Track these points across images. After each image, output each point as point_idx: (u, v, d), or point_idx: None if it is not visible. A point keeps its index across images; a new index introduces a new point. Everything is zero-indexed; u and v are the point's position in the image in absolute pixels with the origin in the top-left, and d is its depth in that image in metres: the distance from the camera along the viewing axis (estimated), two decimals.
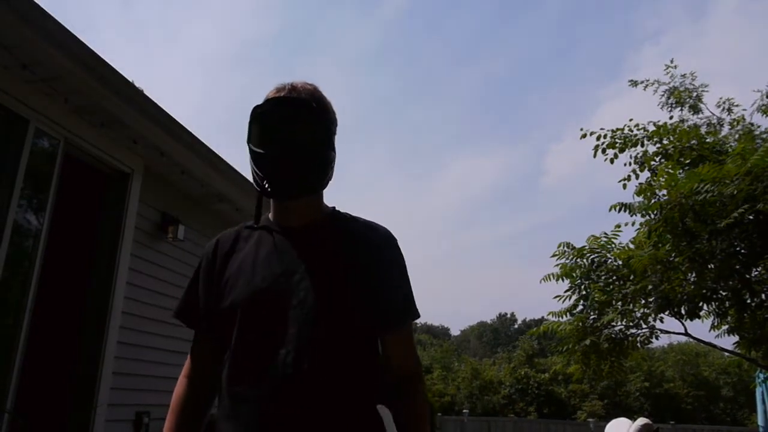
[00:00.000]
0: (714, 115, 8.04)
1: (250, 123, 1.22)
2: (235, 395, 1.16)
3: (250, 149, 1.22)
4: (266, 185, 1.20)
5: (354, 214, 1.34)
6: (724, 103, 7.92)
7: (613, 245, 6.53)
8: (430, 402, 11.02)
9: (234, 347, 1.18)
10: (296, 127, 1.20)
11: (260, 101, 1.25)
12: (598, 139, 6.75)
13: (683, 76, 8.19)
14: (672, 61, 8.19)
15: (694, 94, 8.02)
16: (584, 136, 6.81)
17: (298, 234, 1.25)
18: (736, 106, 7.84)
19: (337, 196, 1.34)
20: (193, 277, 1.32)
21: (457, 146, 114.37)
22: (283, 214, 1.28)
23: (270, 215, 1.32)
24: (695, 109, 8.05)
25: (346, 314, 1.17)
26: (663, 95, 8.20)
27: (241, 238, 1.29)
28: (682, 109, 8.07)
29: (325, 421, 1.11)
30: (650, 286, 5.75)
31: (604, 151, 6.73)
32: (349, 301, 1.18)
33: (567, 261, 6.77)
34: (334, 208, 1.33)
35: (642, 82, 8.33)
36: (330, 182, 1.30)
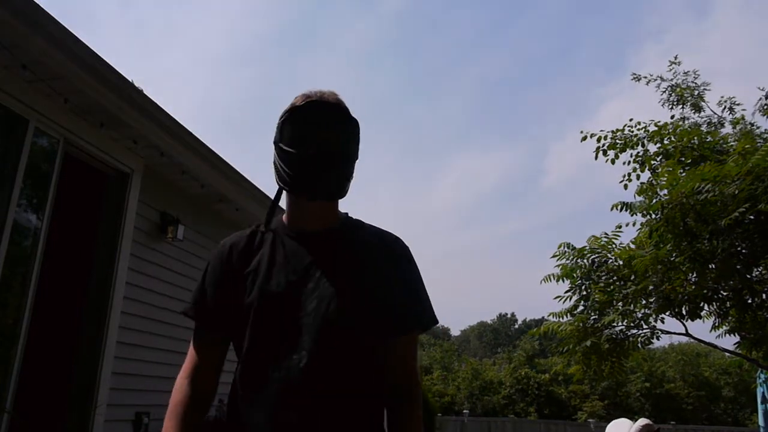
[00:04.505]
0: (715, 113, 8.04)
1: (284, 122, 1.23)
2: (248, 399, 1.17)
3: (280, 148, 1.22)
4: (294, 185, 1.21)
5: (365, 221, 1.36)
6: (725, 101, 7.91)
7: (614, 245, 6.52)
8: (431, 407, 10.94)
9: (246, 350, 1.19)
10: (333, 132, 1.22)
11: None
12: (598, 141, 6.75)
13: (686, 73, 8.19)
14: (676, 58, 8.19)
15: (696, 92, 8.01)
16: (585, 138, 6.81)
17: (312, 239, 1.25)
18: (738, 105, 7.84)
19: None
20: (203, 276, 1.31)
21: (457, 145, 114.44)
22: (298, 218, 1.28)
23: (284, 218, 1.32)
24: (696, 108, 8.04)
25: (357, 324, 1.19)
26: (665, 92, 8.20)
27: (255, 239, 1.29)
28: (683, 107, 8.06)
29: (332, 429, 1.12)
30: (651, 287, 5.74)
31: (605, 152, 6.74)
32: (360, 311, 1.19)
33: (567, 261, 6.76)
34: (346, 214, 1.34)
35: (645, 77, 8.33)
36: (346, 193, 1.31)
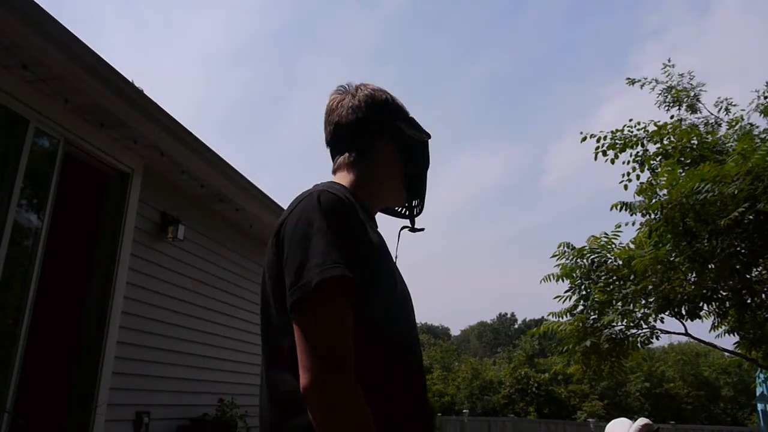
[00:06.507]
0: (712, 114, 8.03)
1: (427, 148, 1.31)
2: (412, 397, 1.04)
3: (421, 165, 1.29)
4: (423, 198, 1.30)
5: None
6: (722, 102, 7.91)
7: (614, 245, 6.53)
8: (431, 406, 10.90)
9: (397, 349, 1.04)
10: None
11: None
12: (598, 141, 6.75)
13: (681, 75, 8.17)
14: (669, 60, 8.18)
15: (692, 93, 8.00)
16: (584, 139, 6.80)
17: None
18: (734, 105, 7.84)
19: None
20: (347, 231, 0.99)
21: (458, 145, 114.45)
22: (375, 205, 1.25)
23: (361, 195, 1.18)
24: (693, 109, 8.03)
25: None
26: (660, 94, 8.18)
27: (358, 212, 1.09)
28: (679, 108, 8.05)
29: None
30: (650, 287, 5.75)
31: (604, 153, 6.73)
32: None
33: (567, 261, 6.76)
34: None
35: (639, 81, 8.30)
36: None
